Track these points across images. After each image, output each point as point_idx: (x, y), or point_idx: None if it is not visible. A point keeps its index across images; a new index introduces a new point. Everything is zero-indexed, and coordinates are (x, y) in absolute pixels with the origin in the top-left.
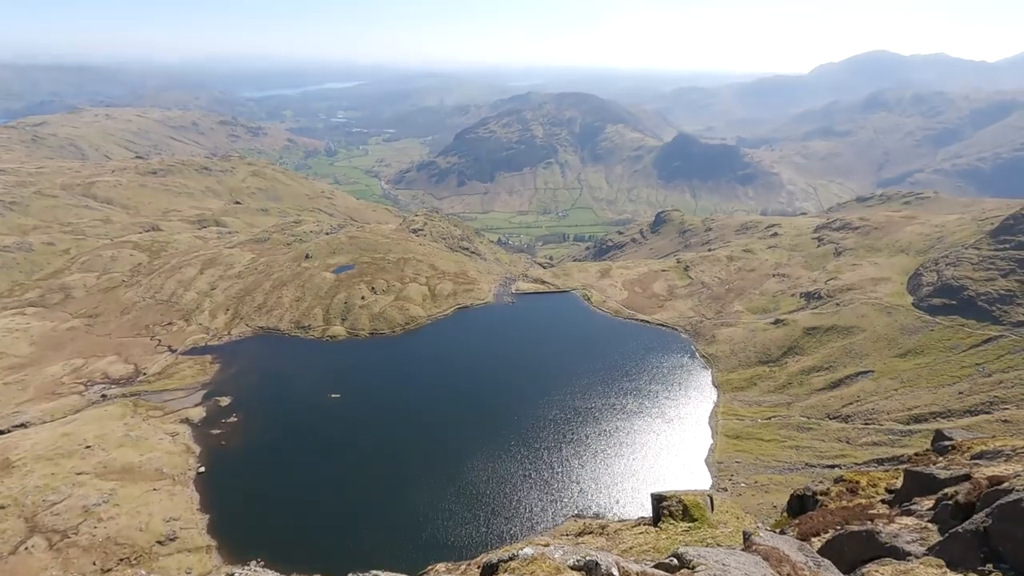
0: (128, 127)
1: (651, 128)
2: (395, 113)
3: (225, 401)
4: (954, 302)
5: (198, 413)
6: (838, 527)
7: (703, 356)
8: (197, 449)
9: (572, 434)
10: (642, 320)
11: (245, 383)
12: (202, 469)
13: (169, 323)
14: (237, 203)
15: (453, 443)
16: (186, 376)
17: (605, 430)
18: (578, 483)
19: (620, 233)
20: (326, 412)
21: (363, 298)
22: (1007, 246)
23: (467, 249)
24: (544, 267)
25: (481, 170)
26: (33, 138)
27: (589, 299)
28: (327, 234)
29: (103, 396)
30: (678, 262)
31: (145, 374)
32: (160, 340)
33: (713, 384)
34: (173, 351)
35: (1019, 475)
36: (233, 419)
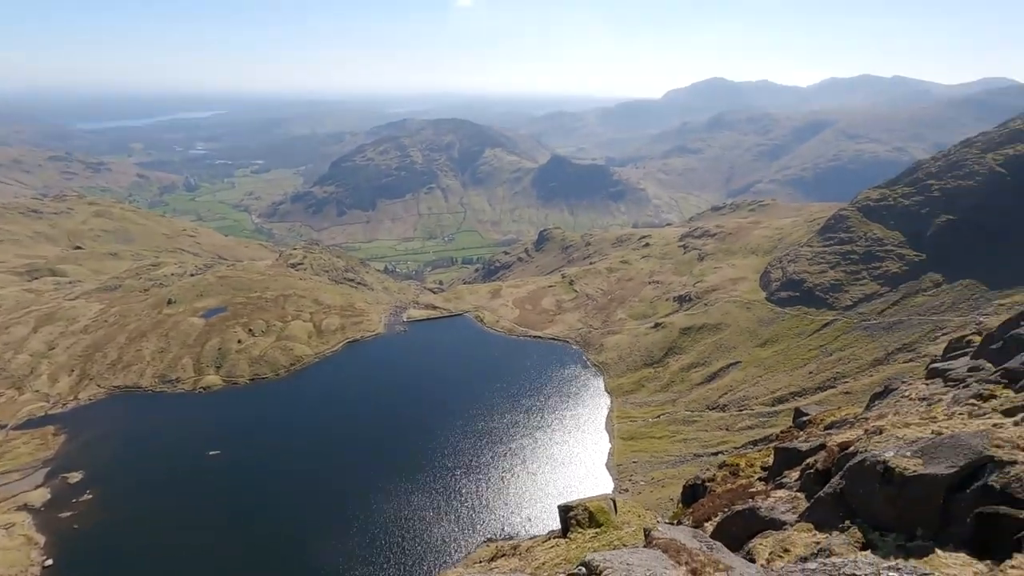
0: None
1: (527, 151)
2: (263, 143)
3: (75, 477)
4: (797, 294)
5: (40, 496)
6: (726, 509)
7: (594, 365)
8: (41, 539)
9: (478, 458)
10: (535, 336)
11: (100, 453)
12: (49, 562)
13: None
14: (78, 248)
15: (355, 486)
16: (21, 454)
17: (510, 449)
18: (488, 507)
19: (506, 253)
20: (204, 472)
21: (240, 342)
22: (832, 242)
23: (353, 280)
24: (435, 292)
25: (361, 198)
26: None
27: (482, 320)
28: (192, 275)
29: None
30: (563, 277)
31: None
32: None
33: (606, 390)
34: (2, 427)
35: (861, 438)
36: (87, 497)
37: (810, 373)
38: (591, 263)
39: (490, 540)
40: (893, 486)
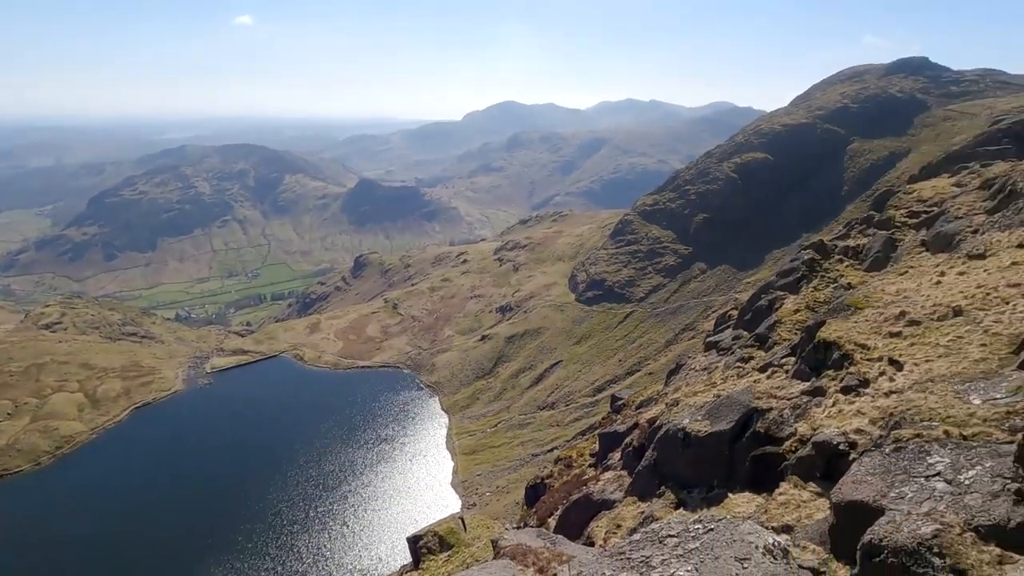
0: None
1: (332, 176)
2: None
3: None
4: (601, 292)
5: None
6: (564, 501)
7: (428, 386)
8: None
9: (316, 508)
10: (364, 366)
11: None
12: None
13: None
14: None
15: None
16: None
17: (351, 489)
18: (333, 558)
19: (322, 284)
20: None
21: None
22: (622, 244)
23: (135, 335)
24: (243, 335)
25: (136, 238)
26: None
27: (302, 358)
28: None
29: None
30: (386, 302)
31: None
32: None
33: (442, 409)
34: None
35: (664, 412)
36: None
37: (620, 361)
38: (413, 284)
39: None
40: (691, 448)
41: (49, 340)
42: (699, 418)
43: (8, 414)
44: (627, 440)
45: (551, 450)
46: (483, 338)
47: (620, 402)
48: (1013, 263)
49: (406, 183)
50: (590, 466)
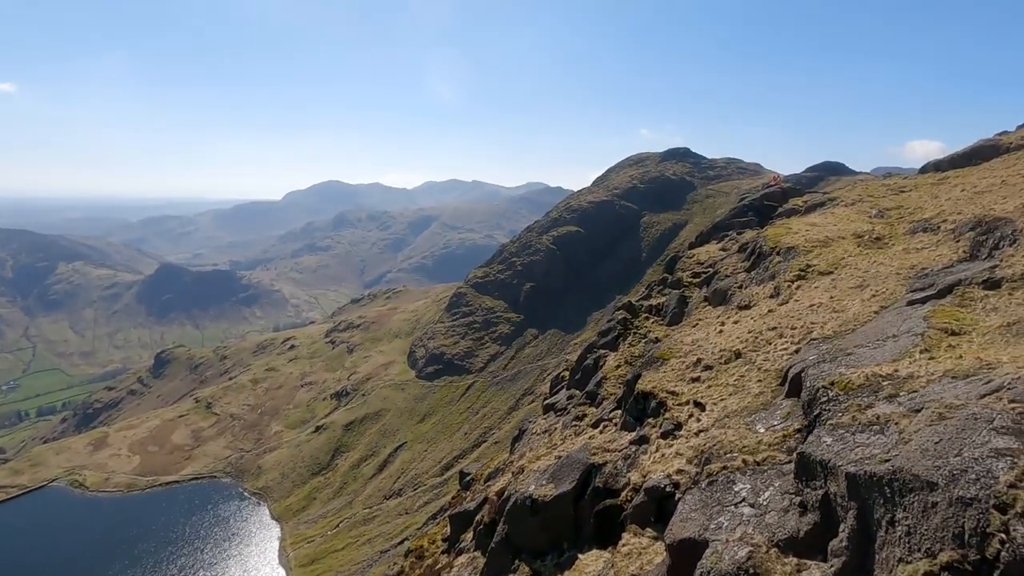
0: None
1: (124, 262)
2: None
3: None
4: (441, 366)
5: None
6: None
7: (253, 493)
8: None
9: None
10: (170, 481)
11: None
12: None
13: None
14: None
15: None
16: None
17: None
18: None
19: (110, 389)
20: None
21: None
22: (458, 316)
23: None
24: None
25: None
26: None
27: (83, 484)
28: None
29: None
30: (197, 401)
31: None
32: None
33: (272, 517)
34: None
35: (511, 482)
36: None
37: (465, 434)
38: (231, 378)
39: None
40: (540, 514)
41: None
42: (544, 482)
43: None
44: (478, 517)
45: (402, 542)
46: (317, 429)
47: (469, 477)
48: (769, 311)
49: (218, 266)
50: (443, 552)
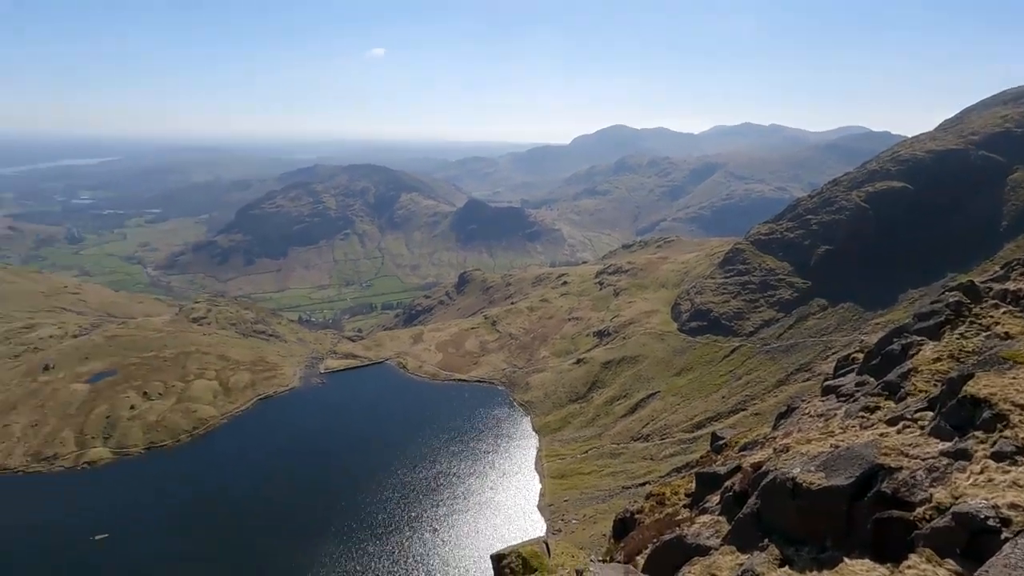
0: None
1: (443, 195)
2: (160, 191)
3: None
4: (706, 323)
5: None
6: (655, 540)
7: (521, 404)
8: None
9: (407, 512)
10: (460, 379)
11: None
12: None
13: None
14: None
15: (273, 558)
16: None
17: (441, 499)
18: (420, 563)
19: (427, 297)
20: (91, 560)
21: (133, 407)
22: (732, 274)
23: (263, 333)
24: (354, 340)
25: (271, 246)
26: None
27: (405, 367)
28: (75, 337)
29: None
30: (485, 318)
31: None
32: None
33: (533, 429)
34: None
35: (771, 458)
36: None
37: (723, 398)
38: (512, 303)
39: None
40: (802, 500)
41: (196, 332)
42: (812, 469)
43: (159, 394)
44: (728, 483)
45: (643, 484)
46: (578, 361)
47: (721, 441)
48: None
49: (512, 204)
50: (684, 506)
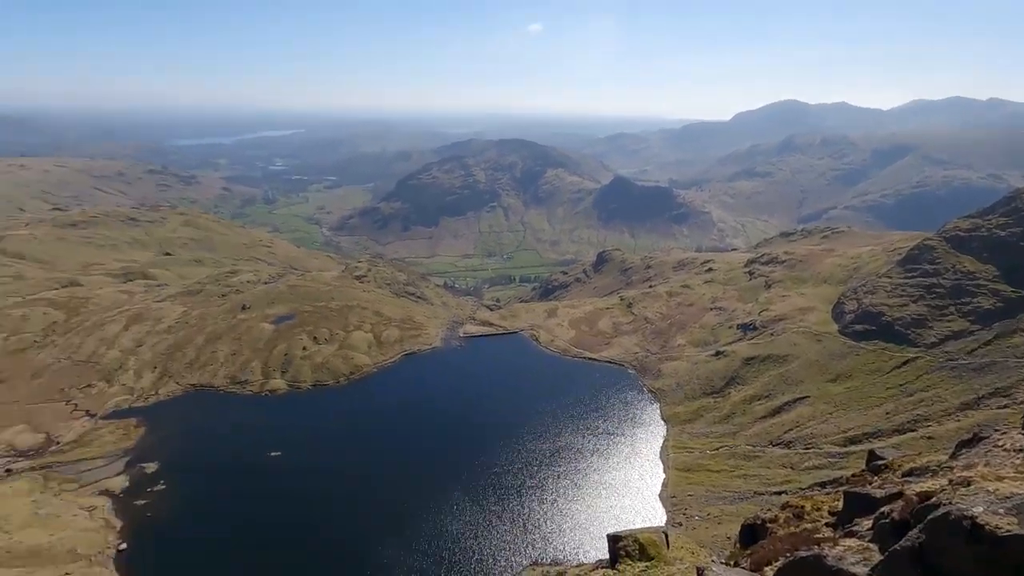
0: (46, 178)
1: (589, 172)
2: (336, 160)
3: (151, 467)
4: (874, 327)
5: (119, 483)
6: (788, 554)
7: (650, 391)
8: (118, 523)
9: (528, 478)
10: (590, 358)
11: (174, 446)
12: (123, 546)
13: (88, 385)
14: (167, 254)
15: (405, 495)
16: (106, 443)
17: (561, 471)
18: (535, 529)
19: (564, 273)
20: (266, 472)
21: (304, 348)
22: (915, 274)
23: (413, 294)
24: (491, 309)
25: (425, 215)
26: None
27: (537, 339)
28: (265, 283)
29: (7, 471)
30: (621, 299)
31: (58, 443)
32: (77, 404)
33: (662, 418)
34: (92, 416)
35: (945, 489)
36: (161, 487)
37: (887, 414)
38: (651, 286)
39: (536, 564)
40: (983, 545)
41: (357, 289)
42: (1000, 511)
43: (325, 340)
44: (884, 509)
45: (778, 492)
46: (717, 354)
47: (881, 462)
48: None
49: (659, 183)
50: (827, 525)
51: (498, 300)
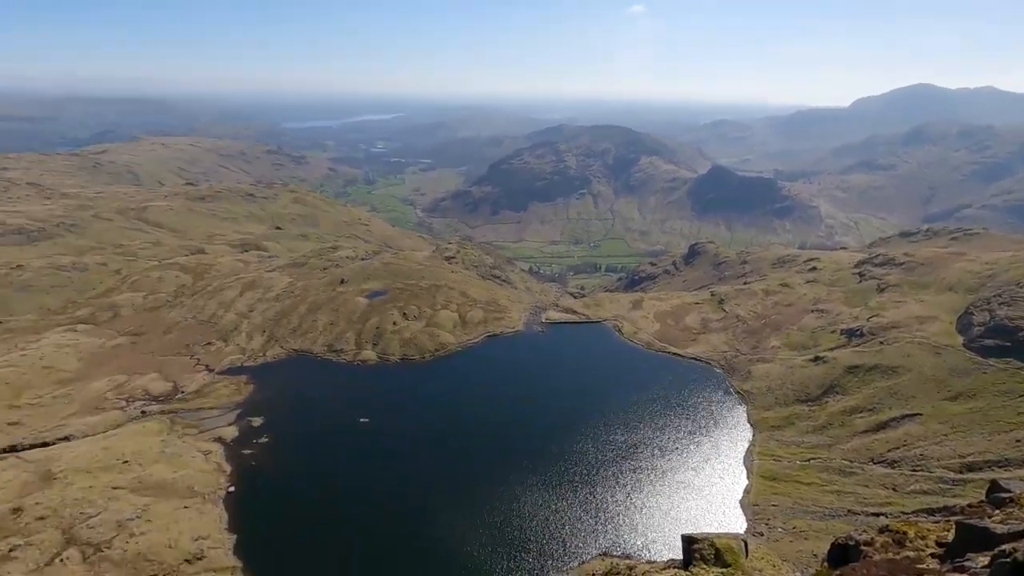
0: (181, 155)
1: (685, 160)
2: (431, 144)
3: (257, 421)
4: (1009, 344)
5: (231, 432)
6: None
7: (738, 392)
8: (228, 468)
9: (603, 469)
10: (674, 353)
11: (277, 404)
12: (231, 488)
13: (208, 343)
14: (278, 228)
15: (482, 472)
16: (221, 395)
17: (638, 466)
18: (607, 520)
19: (653, 264)
20: (355, 436)
21: (395, 323)
22: None
23: (498, 277)
24: (575, 297)
25: (514, 200)
26: (94, 165)
27: (620, 330)
28: (362, 260)
29: (143, 412)
30: (712, 295)
31: (183, 392)
32: (199, 359)
33: (748, 422)
34: (210, 370)
35: None
36: (264, 439)
37: (1017, 441)
38: (745, 283)
39: (605, 554)
40: None
41: (445, 269)
42: None
43: (414, 316)
44: (1006, 548)
45: (877, 514)
46: (816, 359)
47: (1006, 495)
48: None
49: (762, 174)
50: (933, 555)
51: (582, 288)
